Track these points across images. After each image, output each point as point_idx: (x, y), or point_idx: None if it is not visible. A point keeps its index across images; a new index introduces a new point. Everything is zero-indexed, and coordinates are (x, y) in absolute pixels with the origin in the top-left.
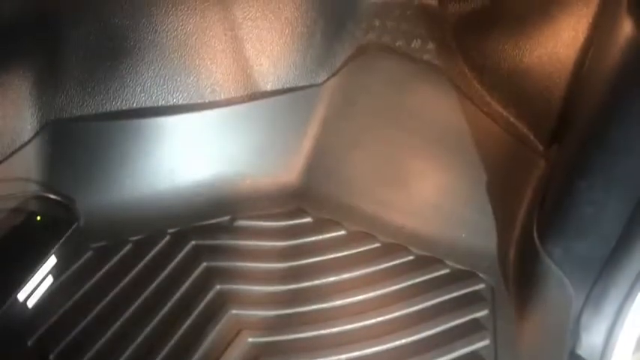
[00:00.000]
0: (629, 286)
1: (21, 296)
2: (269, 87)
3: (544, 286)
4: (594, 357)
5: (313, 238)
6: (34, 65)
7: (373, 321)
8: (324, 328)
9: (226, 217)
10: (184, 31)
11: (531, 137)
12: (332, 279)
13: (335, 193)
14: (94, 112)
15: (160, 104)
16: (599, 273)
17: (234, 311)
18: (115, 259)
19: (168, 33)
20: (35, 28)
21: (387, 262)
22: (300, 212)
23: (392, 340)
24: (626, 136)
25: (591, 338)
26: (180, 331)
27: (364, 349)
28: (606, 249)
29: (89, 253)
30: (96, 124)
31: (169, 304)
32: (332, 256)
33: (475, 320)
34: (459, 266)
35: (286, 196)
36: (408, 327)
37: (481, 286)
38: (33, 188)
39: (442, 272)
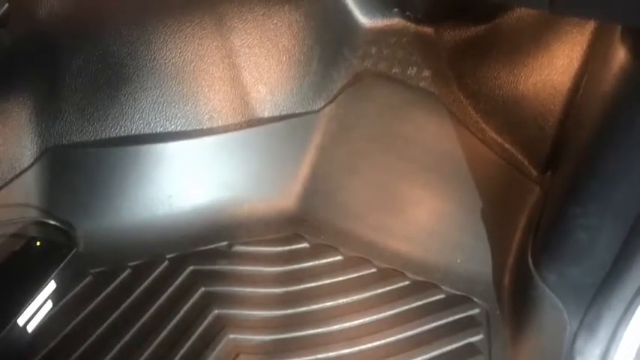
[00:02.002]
0: (623, 311)
1: (21, 321)
2: (266, 114)
3: (539, 310)
4: None
5: (310, 264)
6: (34, 92)
7: (369, 345)
8: (321, 353)
9: (224, 243)
10: (182, 58)
11: (526, 163)
12: (328, 304)
13: (331, 218)
14: (92, 138)
15: (158, 131)
16: (594, 298)
17: (231, 336)
18: (114, 284)
19: (167, 60)
20: (35, 56)
21: (383, 287)
22: (296, 238)
23: None
24: (621, 162)
25: None
26: (179, 356)
27: None
28: (600, 274)
29: (88, 279)
30: (95, 151)
31: (168, 329)
32: (328, 281)
33: (470, 345)
34: (454, 291)
35: (283, 222)
36: (404, 351)
37: (476, 310)
38: (32, 214)
39: (437, 297)
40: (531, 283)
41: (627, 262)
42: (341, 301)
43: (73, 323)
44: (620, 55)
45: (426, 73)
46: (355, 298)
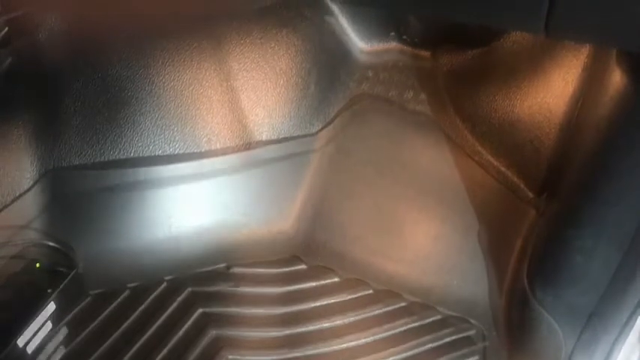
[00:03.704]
0: (618, 332)
1: (20, 342)
2: (264, 137)
3: (535, 332)
4: None
5: (307, 285)
6: (34, 115)
7: None
8: None
9: (222, 265)
10: (181, 81)
11: (522, 186)
12: (326, 325)
13: (329, 241)
14: (92, 161)
15: (157, 154)
16: (589, 319)
17: (230, 356)
18: (113, 305)
19: (165, 84)
20: (34, 79)
21: (379, 309)
22: (294, 259)
23: None
24: (616, 185)
25: None
26: None
27: None
28: (595, 296)
29: (88, 300)
30: (94, 173)
31: (166, 350)
32: (326, 302)
33: None
34: (450, 312)
35: (281, 244)
36: None
37: (472, 332)
38: (32, 236)
39: (434, 318)
40: (527, 305)
41: (622, 284)
42: (338, 322)
43: (73, 344)
44: (615, 78)
45: (423, 96)
46: (352, 319)
